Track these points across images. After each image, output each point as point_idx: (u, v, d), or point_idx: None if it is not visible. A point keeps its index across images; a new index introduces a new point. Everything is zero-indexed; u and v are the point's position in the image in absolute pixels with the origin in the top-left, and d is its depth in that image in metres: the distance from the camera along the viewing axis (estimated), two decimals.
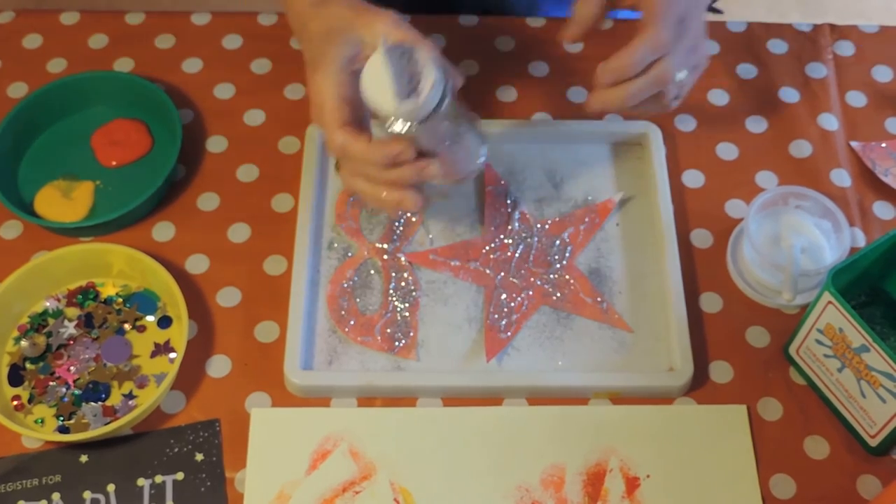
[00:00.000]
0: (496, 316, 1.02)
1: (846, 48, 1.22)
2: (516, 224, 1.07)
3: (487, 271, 1.04)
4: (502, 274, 1.04)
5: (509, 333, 1.01)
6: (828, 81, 1.19)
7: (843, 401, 0.95)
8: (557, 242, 1.06)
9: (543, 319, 1.02)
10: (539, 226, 1.07)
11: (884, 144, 1.13)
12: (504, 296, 1.03)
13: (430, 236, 1.07)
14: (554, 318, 1.02)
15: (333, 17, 0.92)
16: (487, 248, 1.06)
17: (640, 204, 1.09)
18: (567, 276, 1.04)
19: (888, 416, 0.91)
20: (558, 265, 1.05)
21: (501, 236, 1.06)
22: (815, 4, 2.65)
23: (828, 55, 1.21)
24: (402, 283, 1.04)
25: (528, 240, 1.06)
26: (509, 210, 1.08)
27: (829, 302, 0.90)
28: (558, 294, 1.03)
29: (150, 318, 1.02)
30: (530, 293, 1.03)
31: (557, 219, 1.08)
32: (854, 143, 1.14)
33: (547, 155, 1.12)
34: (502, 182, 1.10)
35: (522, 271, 1.04)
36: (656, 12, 0.93)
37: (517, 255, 1.05)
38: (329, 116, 0.91)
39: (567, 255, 1.05)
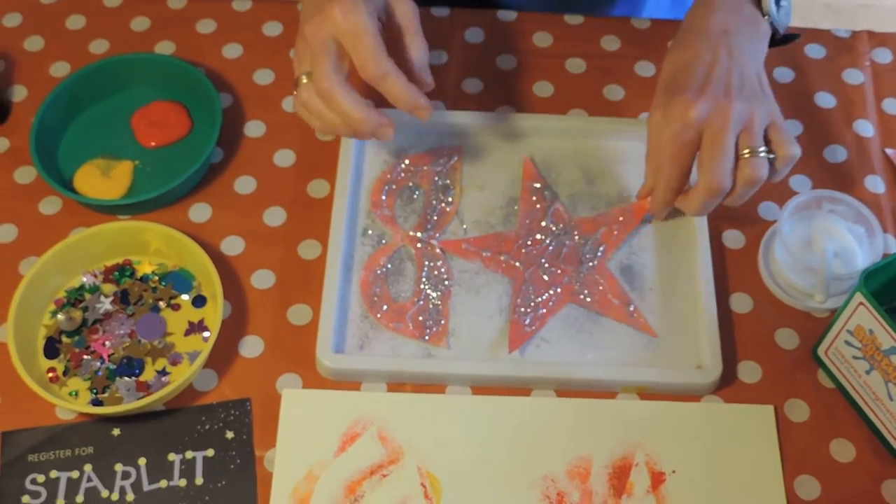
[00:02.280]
0: (522, 309, 1.02)
1: (884, 55, 1.22)
2: (550, 220, 1.08)
3: (517, 264, 1.05)
4: (532, 268, 1.05)
5: (534, 327, 1.01)
6: (864, 88, 1.20)
7: (871, 404, 0.95)
8: (590, 241, 1.07)
9: (574, 313, 1.03)
10: (573, 223, 1.08)
11: None
12: (532, 290, 1.03)
13: (465, 226, 1.08)
14: (584, 312, 1.03)
15: None
16: (520, 241, 1.06)
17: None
18: (597, 276, 1.05)
19: None
20: (590, 264, 1.05)
21: (535, 231, 1.07)
22: (847, 15, 2.65)
23: (865, 62, 1.22)
24: (435, 272, 1.05)
25: (561, 237, 1.07)
26: (546, 205, 1.08)
27: (861, 303, 0.91)
28: (586, 292, 1.04)
29: (185, 297, 1.03)
30: (558, 290, 1.04)
31: (592, 217, 1.08)
32: (889, 151, 1.14)
33: (582, 151, 1.13)
34: (541, 178, 1.10)
35: (553, 268, 1.05)
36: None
37: (549, 250, 1.06)
38: (372, 42, 0.93)
39: (599, 254, 1.06)
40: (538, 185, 1.10)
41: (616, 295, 1.04)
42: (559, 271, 1.05)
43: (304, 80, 0.98)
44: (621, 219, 1.08)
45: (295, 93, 0.99)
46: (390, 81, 0.95)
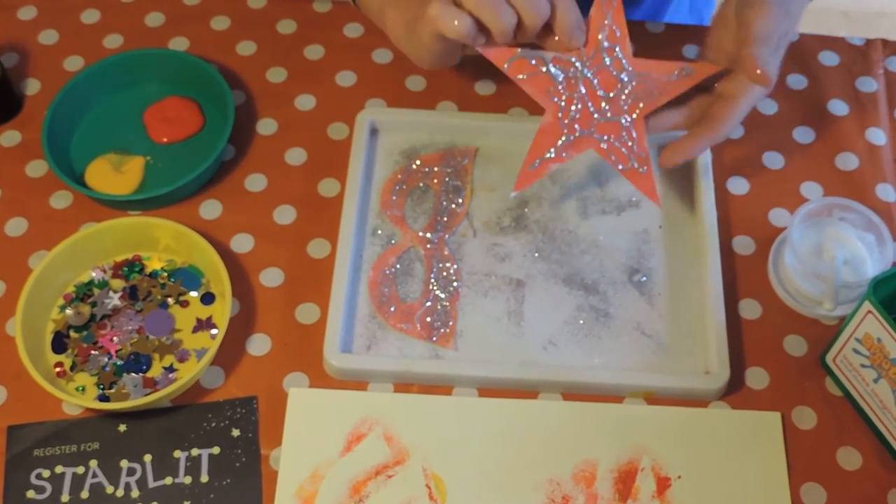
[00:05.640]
0: (622, 163, 1.01)
1: None
2: (559, 72, 0.99)
3: (584, 133, 1.01)
4: (592, 127, 1.00)
5: (647, 168, 1.00)
6: (878, 96, 1.19)
7: (878, 412, 0.95)
8: (603, 49, 0.99)
9: (582, 317, 1.03)
10: (579, 61, 1.00)
11: None
12: (608, 139, 1.00)
13: (474, 228, 1.07)
14: (593, 316, 1.03)
15: None
16: (561, 113, 1.00)
17: (684, 208, 1.09)
18: (638, 71, 0.99)
19: None
20: (624, 68, 0.99)
21: (559, 94, 1.00)
22: (863, 23, 2.65)
23: (879, 70, 1.21)
24: (444, 273, 1.05)
25: (581, 73, 0.99)
26: (539, 64, 0.99)
27: (869, 311, 0.90)
28: (650, 88, 1.00)
29: (194, 294, 1.03)
30: (629, 113, 1.00)
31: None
32: None
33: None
34: (513, 50, 0.99)
35: (605, 106, 1.00)
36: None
37: (585, 96, 1.00)
38: None
39: (618, 52, 0.99)
40: (516, 56, 0.99)
41: (668, 69, 0.99)
42: (617, 103, 1.00)
43: None
44: (607, 19, 0.99)
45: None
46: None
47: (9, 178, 1.12)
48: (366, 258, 1.06)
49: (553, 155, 1.00)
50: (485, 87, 1.18)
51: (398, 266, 1.05)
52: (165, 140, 1.14)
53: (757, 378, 1.00)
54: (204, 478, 0.95)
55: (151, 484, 0.94)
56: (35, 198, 1.10)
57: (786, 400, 0.99)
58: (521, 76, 0.98)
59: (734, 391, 1.00)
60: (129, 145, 1.13)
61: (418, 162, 1.11)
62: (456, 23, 0.92)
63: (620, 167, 1.01)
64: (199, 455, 0.96)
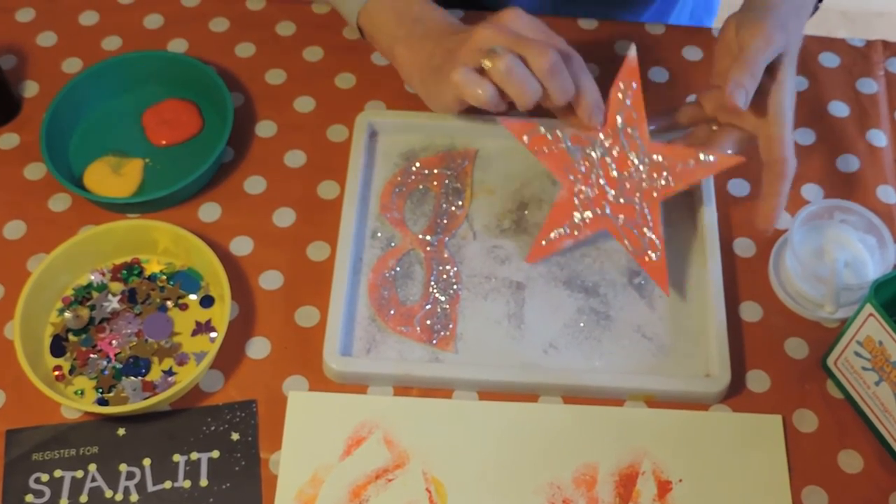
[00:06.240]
0: (636, 249, 1.02)
1: None
2: (575, 152, 1.03)
3: (599, 213, 1.03)
4: (606, 206, 1.02)
5: (659, 254, 1.01)
6: (878, 97, 1.19)
7: (879, 415, 0.95)
8: (621, 132, 1.02)
9: (582, 320, 1.03)
10: (593, 135, 1.03)
11: None
12: (623, 219, 1.02)
13: (474, 230, 1.07)
14: (593, 319, 1.03)
15: None
16: (576, 192, 1.03)
17: (685, 209, 1.09)
18: (654, 156, 1.01)
19: None
20: (641, 151, 1.01)
21: (576, 172, 1.03)
22: (862, 23, 2.65)
23: (879, 71, 1.21)
24: (444, 276, 1.04)
25: (598, 152, 1.02)
26: (557, 140, 1.04)
27: (871, 314, 0.90)
28: (665, 174, 1.01)
29: (193, 297, 1.03)
30: (643, 199, 1.01)
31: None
32: None
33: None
34: (532, 124, 1.04)
35: (621, 187, 1.02)
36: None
37: (601, 175, 1.02)
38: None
39: (638, 138, 1.01)
40: (534, 130, 1.03)
41: (684, 156, 1.00)
42: (624, 184, 1.02)
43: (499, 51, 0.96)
44: (627, 99, 1.02)
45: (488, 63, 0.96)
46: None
47: (7, 181, 1.11)
48: (365, 261, 1.05)
49: (567, 231, 1.03)
50: None
51: (398, 269, 1.05)
52: (164, 142, 1.13)
53: (758, 381, 1.00)
54: (203, 482, 0.94)
55: (150, 488, 0.94)
56: (33, 200, 1.10)
57: (787, 403, 0.99)
58: (538, 150, 1.03)
59: (735, 394, 0.99)
60: (128, 148, 1.13)
61: (418, 164, 1.11)
62: (479, 91, 0.96)
63: (633, 251, 1.02)
64: (199, 459, 0.95)
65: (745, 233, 1.09)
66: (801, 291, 1.03)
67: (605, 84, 1.18)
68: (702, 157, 1.00)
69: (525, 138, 1.03)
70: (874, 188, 1.12)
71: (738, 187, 1.11)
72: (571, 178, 1.03)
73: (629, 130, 1.01)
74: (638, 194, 1.02)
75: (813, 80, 1.20)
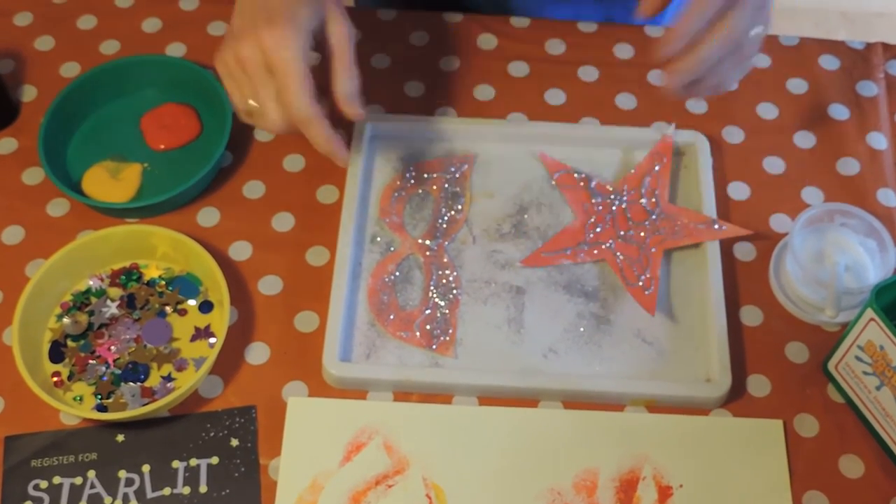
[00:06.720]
0: (630, 281, 1.03)
1: None
2: (597, 195, 1.09)
3: (604, 246, 1.05)
4: (612, 241, 1.05)
5: (652, 289, 1.02)
6: (878, 100, 1.19)
7: (881, 420, 0.95)
8: (643, 190, 1.08)
9: (582, 324, 1.02)
10: (617, 185, 1.09)
11: None
12: (623, 257, 1.04)
13: (473, 235, 1.07)
14: (593, 323, 1.02)
15: None
16: (587, 225, 1.07)
17: None
18: (670, 213, 1.07)
19: None
20: (657, 208, 1.07)
21: (591, 212, 1.08)
22: (862, 24, 2.64)
23: (879, 74, 1.21)
24: (444, 281, 1.04)
25: (616, 202, 1.08)
26: (585, 184, 1.09)
27: (872, 319, 0.90)
28: (676, 229, 1.06)
29: (192, 303, 1.03)
30: (649, 244, 1.05)
31: (632, 172, 1.10)
32: None
33: (594, 159, 1.12)
34: (562, 164, 1.11)
35: (630, 231, 1.06)
36: None
37: (615, 218, 1.07)
38: (298, 84, 0.92)
39: (656, 196, 1.08)
40: (565, 171, 1.10)
41: (697, 219, 1.07)
42: (636, 230, 1.06)
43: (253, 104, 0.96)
44: (656, 166, 1.09)
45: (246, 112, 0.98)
46: (313, 127, 0.94)
47: (5, 186, 1.11)
48: (365, 266, 1.05)
49: (569, 252, 1.06)
50: (483, 93, 1.18)
51: (397, 273, 1.05)
52: (163, 147, 1.13)
53: (758, 385, 1.00)
54: (203, 488, 0.94)
55: (150, 494, 0.94)
56: (32, 206, 1.09)
57: (788, 407, 0.99)
58: (564, 185, 1.10)
59: (736, 398, 0.99)
60: (127, 152, 1.13)
61: (417, 168, 1.11)
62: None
63: (628, 284, 1.03)
64: (198, 465, 0.95)
65: (746, 237, 1.08)
66: (802, 295, 1.03)
67: (603, 84, 1.19)
68: (715, 226, 1.05)
69: (555, 175, 1.11)
70: (874, 191, 1.12)
71: (738, 191, 1.11)
72: (586, 212, 1.07)
73: (651, 191, 1.08)
74: (645, 238, 1.05)
75: (813, 82, 1.20)
